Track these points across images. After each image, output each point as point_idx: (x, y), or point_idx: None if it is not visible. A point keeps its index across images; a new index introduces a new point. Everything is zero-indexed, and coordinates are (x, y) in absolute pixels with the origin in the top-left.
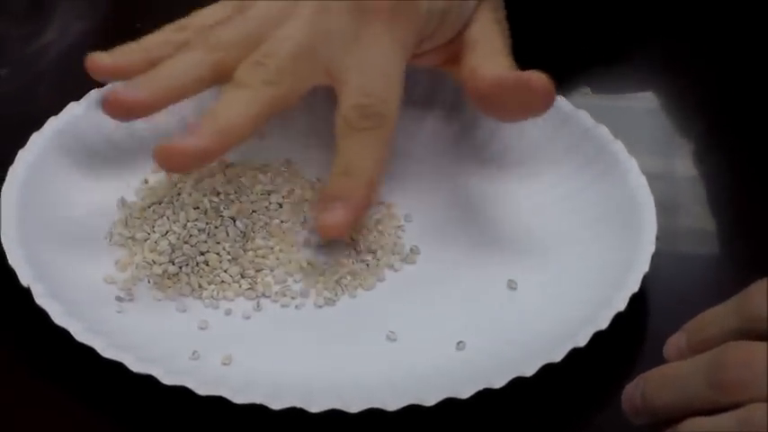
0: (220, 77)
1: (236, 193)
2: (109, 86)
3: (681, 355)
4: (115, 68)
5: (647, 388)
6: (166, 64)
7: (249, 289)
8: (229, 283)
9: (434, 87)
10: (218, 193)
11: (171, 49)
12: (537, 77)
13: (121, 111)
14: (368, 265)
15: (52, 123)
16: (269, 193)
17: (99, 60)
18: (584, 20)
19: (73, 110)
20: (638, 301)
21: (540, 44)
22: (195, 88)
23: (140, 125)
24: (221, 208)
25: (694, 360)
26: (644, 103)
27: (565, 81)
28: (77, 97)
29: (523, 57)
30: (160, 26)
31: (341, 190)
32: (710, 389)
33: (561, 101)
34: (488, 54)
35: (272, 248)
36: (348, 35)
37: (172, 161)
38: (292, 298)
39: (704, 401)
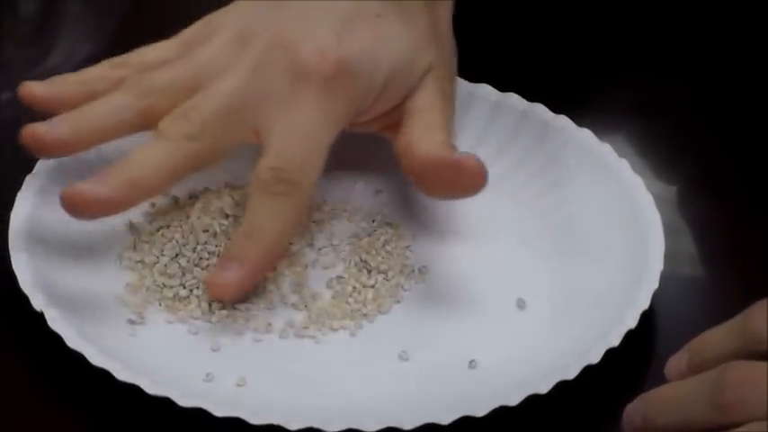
0: (148, 124)
1: (241, 209)
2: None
3: (681, 374)
4: (48, 99)
5: (648, 409)
6: (94, 104)
7: (260, 310)
8: (240, 308)
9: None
10: (227, 216)
11: (107, 84)
12: (468, 159)
13: (39, 147)
14: (376, 285)
15: (31, 180)
16: None
17: (33, 89)
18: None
19: None
20: (646, 318)
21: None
22: (120, 132)
23: None
24: (231, 231)
25: (695, 380)
26: (645, 126)
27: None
28: None
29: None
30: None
31: (239, 251)
32: (711, 409)
33: (565, 121)
34: (425, 128)
35: (281, 272)
36: (281, 97)
37: (76, 207)
38: (304, 327)
39: (704, 422)
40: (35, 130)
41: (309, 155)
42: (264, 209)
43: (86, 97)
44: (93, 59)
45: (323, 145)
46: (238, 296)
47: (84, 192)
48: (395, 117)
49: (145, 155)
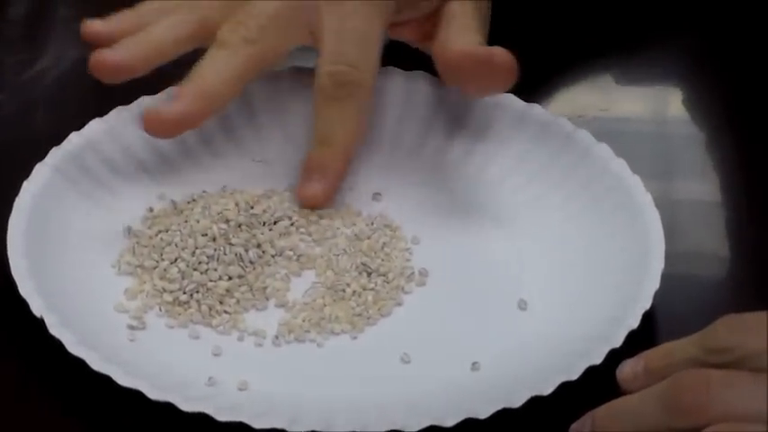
0: (203, 38)
1: (243, 217)
2: (112, 114)
3: (636, 379)
4: (109, 34)
5: (598, 423)
6: (150, 25)
7: (261, 314)
8: (241, 312)
9: (436, 108)
10: (227, 220)
11: (161, 14)
12: (500, 53)
13: (104, 70)
14: (376, 288)
15: (55, 153)
16: (276, 220)
17: (93, 27)
18: (604, 9)
19: (75, 139)
20: (647, 318)
21: (559, 33)
22: (177, 47)
23: (142, 153)
24: (230, 235)
25: (648, 390)
26: (644, 125)
27: (584, 71)
28: (74, 123)
29: (540, 46)
30: None
31: (318, 160)
32: (667, 414)
33: (562, 121)
34: (460, 30)
35: (284, 274)
36: None
37: (159, 127)
38: (306, 331)
39: (659, 429)
40: (99, 56)
41: (366, 52)
42: (332, 115)
43: (144, 27)
44: (83, 62)
45: (376, 39)
46: (328, 203)
47: (162, 112)
48: (432, 23)
49: (209, 65)
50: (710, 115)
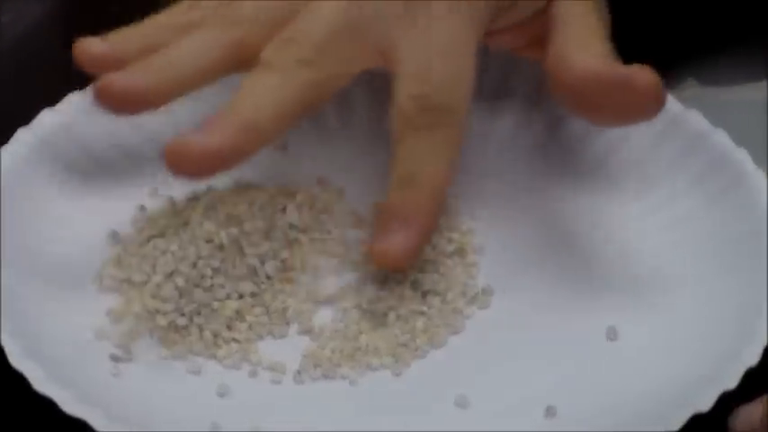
0: (242, 61)
1: (259, 221)
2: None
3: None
4: (111, 57)
5: None
6: (175, 45)
7: (279, 343)
8: (254, 340)
9: (507, 78)
10: (240, 223)
11: (179, 34)
12: (642, 75)
13: (121, 102)
14: (427, 313)
15: (22, 137)
16: (302, 228)
17: (91, 48)
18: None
19: (47, 118)
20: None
21: (640, 29)
22: (208, 75)
23: (129, 137)
24: (242, 243)
25: None
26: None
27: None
28: (41, 96)
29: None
30: (145, 10)
31: (401, 206)
32: None
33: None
34: (580, 38)
35: (303, 294)
36: (408, 4)
37: (188, 164)
38: (336, 365)
39: None
40: (111, 83)
41: (458, 71)
42: (417, 148)
43: (152, 53)
44: (52, 18)
45: (470, 56)
46: (413, 260)
47: (192, 144)
48: (537, 28)
49: (254, 91)
50: None
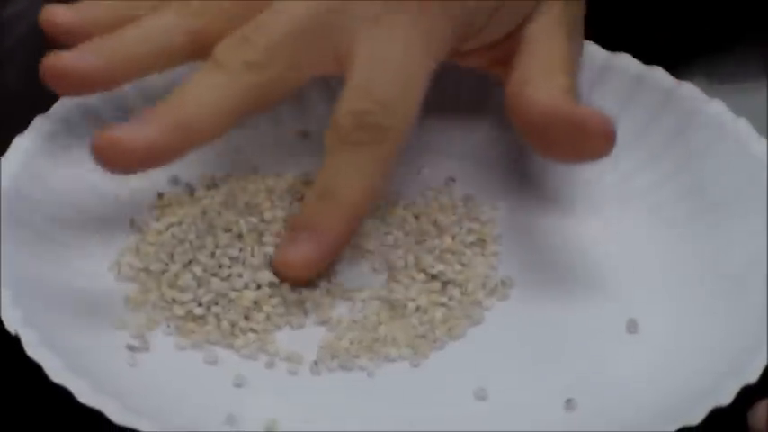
0: (197, 52)
1: (279, 209)
2: None
3: None
4: (76, 26)
5: None
6: (131, 27)
7: (296, 333)
8: (271, 330)
9: None
10: (259, 212)
11: (147, 10)
12: (595, 117)
13: (69, 82)
14: (447, 304)
15: (40, 123)
16: None
17: (55, 15)
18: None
19: (66, 103)
20: None
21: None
22: (163, 61)
23: None
24: (261, 232)
25: None
26: None
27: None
28: (48, 90)
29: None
30: None
31: (312, 218)
32: None
33: (687, 87)
34: (544, 68)
35: (318, 284)
36: (371, 13)
37: (113, 157)
38: (354, 356)
39: None
40: (58, 61)
41: (403, 92)
42: (342, 163)
43: (122, 25)
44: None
45: (420, 78)
46: (313, 274)
47: (123, 138)
48: (505, 48)
49: (198, 89)
50: None
